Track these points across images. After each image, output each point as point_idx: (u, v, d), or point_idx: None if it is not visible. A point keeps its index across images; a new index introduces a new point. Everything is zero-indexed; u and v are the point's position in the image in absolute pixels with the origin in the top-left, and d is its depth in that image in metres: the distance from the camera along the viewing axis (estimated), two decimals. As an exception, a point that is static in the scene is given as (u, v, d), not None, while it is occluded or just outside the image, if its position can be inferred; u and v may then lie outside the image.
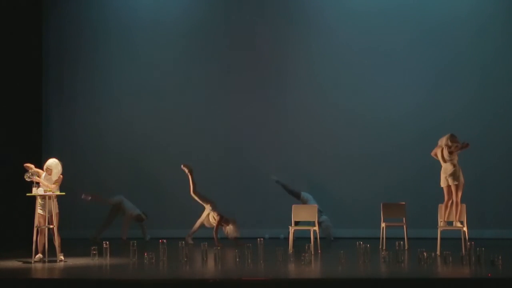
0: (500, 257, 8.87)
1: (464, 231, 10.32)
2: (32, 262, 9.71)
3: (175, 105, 13.95)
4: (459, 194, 10.48)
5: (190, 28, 14.09)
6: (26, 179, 10.00)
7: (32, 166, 10.14)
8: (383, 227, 11.27)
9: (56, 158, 10.28)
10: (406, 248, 10.53)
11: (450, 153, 10.52)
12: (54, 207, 9.99)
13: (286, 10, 13.90)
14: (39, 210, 9.96)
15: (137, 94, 14.06)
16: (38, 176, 10.02)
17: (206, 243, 9.83)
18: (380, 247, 10.96)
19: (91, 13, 14.29)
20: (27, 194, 10.00)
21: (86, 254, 10.13)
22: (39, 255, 9.89)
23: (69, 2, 14.39)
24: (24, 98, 13.56)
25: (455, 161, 10.52)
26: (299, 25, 13.83)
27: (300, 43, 13.79)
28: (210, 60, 13.96)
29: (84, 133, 14.11)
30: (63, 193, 10.09)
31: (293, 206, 11.29)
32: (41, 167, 10.28)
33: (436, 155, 10.74)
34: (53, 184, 10.02)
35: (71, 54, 14.21)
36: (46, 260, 9.81)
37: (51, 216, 9.95)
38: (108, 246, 9.89)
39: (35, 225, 9.89)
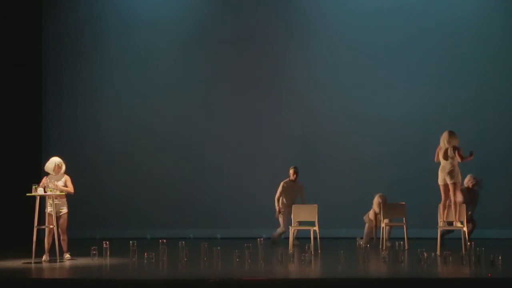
0: (500, 257, 8.86)
1: (464, 231, 10.32)
2: (32, 262, 9.68)
3: (174, 105, 13.96)
4: (457, 193, 10.42)
5: (190, 28, 14.10)
6: None
7: None
8: (383, 227, 11.27)
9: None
10: (406, 248, 10.52)
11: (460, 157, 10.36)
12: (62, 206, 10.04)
13: (286, 10, 13.91)
14: (48, 210, 9.97)
15: (137, 93, 14.09)
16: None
17: (206, 243, 9.82)
18: (380, 247, 10.96)
19: (91, 12, 14.30)
20: (27, 194, 9.99)
21: (86, 254, 10.13)
22: (46, 255, 9.90)
23: (69, 1, 14.39)
24: (24, 98, 13.57)
25: (455, 162, 10.45)
26: (299, 25, 13.83)
27: (300, 43, 13.78)
28: (210, 60, 13.96)
29: (84, 133, 14.13)
30: (63, 193, 10.07)
31: (293, 206, 11.29)
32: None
33: (438, 156, 10.59)
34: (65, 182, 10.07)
35: (71, 53, 14.23)
36: (50, 260, 9.83)
37: (57, 216, 9.98)
38: (108, 246, 9.89)
39: (35, 225, 9.87)
